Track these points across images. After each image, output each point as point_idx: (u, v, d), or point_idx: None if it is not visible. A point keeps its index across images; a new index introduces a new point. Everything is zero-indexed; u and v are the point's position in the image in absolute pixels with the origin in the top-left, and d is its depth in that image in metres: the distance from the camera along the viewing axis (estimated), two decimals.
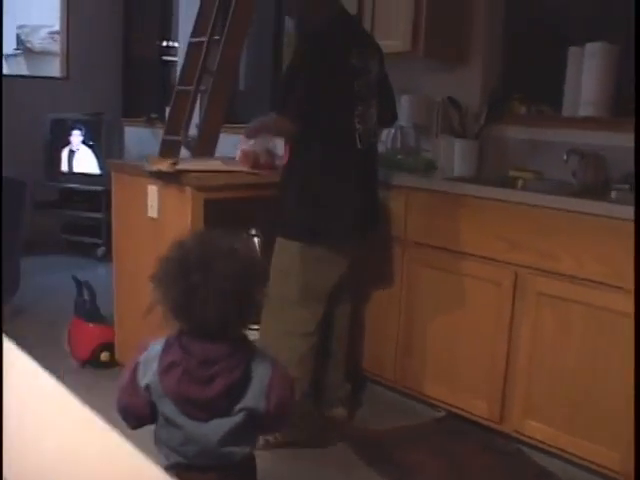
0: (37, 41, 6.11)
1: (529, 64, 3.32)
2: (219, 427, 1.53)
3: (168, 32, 5.88)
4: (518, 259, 2.55)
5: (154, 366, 1.52)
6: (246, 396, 1.54)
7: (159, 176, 2.63)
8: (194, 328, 1.51)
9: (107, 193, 5.24)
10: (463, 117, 3.27)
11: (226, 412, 1.53)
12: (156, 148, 5.46)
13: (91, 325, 3.28)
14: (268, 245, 2.93)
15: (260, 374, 1.55)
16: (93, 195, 5.26)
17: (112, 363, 3.26)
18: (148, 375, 1.53)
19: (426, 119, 3.40)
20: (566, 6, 3.22)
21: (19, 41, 6.20)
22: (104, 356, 3.28)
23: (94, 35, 5.92)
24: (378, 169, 2.72)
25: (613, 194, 2.68)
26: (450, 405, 2.84)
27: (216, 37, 3.71)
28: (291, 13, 2.84)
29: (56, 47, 6.01)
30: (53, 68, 5.99)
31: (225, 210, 2.70)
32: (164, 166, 2.58)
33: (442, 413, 2.90)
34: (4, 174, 3.87)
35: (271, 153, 2.77)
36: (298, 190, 2.55)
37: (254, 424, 1.56)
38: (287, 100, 2.47)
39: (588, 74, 2.93)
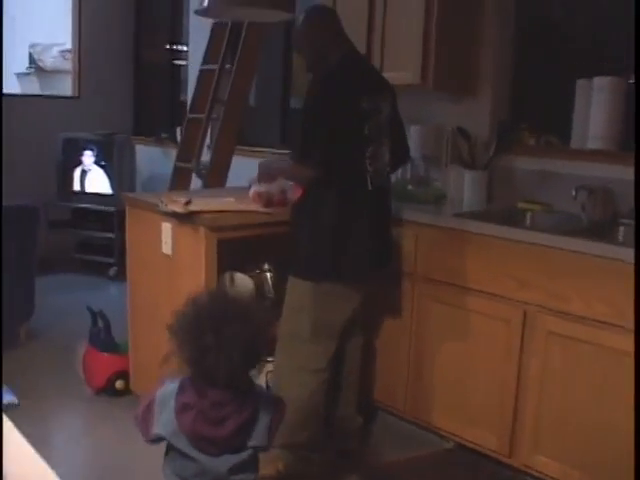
0: (49, 59, 6.17)
1: (537, 95, 3.35)
2: (229, 460, 1.72)
3: (178, 50, 5.93)
4: (527, 297, 2.58)
5: (171, 404, 1.70)
6: (254, 434, 1.74)
7: (173, 215, 2.67)
8: (206, 377, 1.68)
9: (119, 213, 5.32)
10: (472, 147, 3.31)
11: (236, 449, 1.72)
12: (167, 167, 5.53)
13: (106, 354, 3.33)
14: (280, 280, 2.99)
15: (265, 414, 1.76)
16: (105, 215, 5.32)
17: (126, 391, 3.33)
18: (164, 413, 1.71)
19: (436, 149, 3.43)
20: (575, 38, 3.24)
21: (31, 59, 6.27)
22: (119, 384, 3.33)
23: (105, 53, 5.98)
24: (390, 207, 2.75)
25: (620, 232, 2.71)
26: (460, 437, 2.88)
27: (227, 65, 3.75)
28: (300, 51, 2.78)
29: (68, 65, 6.07)
30: (65, 87, 6.04)
31: (238, 246, 2.75)
32: (178, 207, 2.63)
33: (451, 444, 2.94)
34: (17, 201, 3.91)
35: (284, 191, 2.80)
36: (309, 230, 2.59)
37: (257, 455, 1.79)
38: (303, 148, 2.51)
39: (597, 108, 2.96)
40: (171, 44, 5.99)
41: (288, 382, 2.64)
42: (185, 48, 5.62)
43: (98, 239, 5.47)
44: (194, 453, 1.70)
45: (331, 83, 2.55)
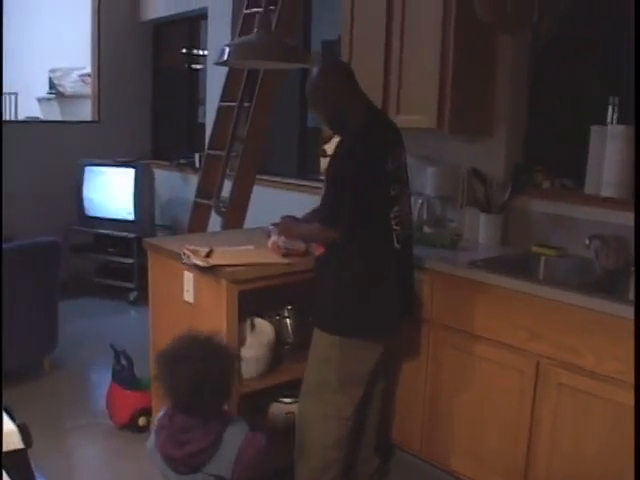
0: (69, 84, 6.30)
1: (552, 138, 3.40)
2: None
3: (197, 75, 6.02)
4: (539, 349, 2.63)
5: (154, 427, 2.17)
6: (213, 461, 2.06)
7: (195, 268, 2.75)
8: (176, 405, 2.09)
9: (139, 239, 5.42)
10: (488, 189, 3.36)
11: (196, 470, 2.07)
12: (185, 192, 5.63)
13: (129, 392, 3.42)
14: (300, 326, 3.07)
15: (231, 445, 2.08)
16: (126, 240, 5.41)
17: (149, 428, 3.41)
18: (152, 434, 2.17)
19: (451, 190, 3.48)
20: (590, 86, 3.29)
21: (52, 84, 6.40)
22: (142, 421, 3.42)
23: (124, 77, 6.08)
24: (412, 256, 2.81)
25: (632, 285, 2.76)
26: (474, 479, 2.94)
27: (246, 104, 3.82)
28: (315, 106, 2.69)
29: (87, 90, 6.19)
30: (85, 111, 6.15)
31: (259, 293, 2.81)
32: (200, 260, 2.70)
33: None
34: (38, 238, 4.01)
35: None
36: (334, 286, 2.62)
37: None
38: (330, 212, 2.54)
39: (611, 155, 2.99)
40: (190, 64, 6.07)
41: (313, 429, 2.72)
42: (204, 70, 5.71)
43: (118, 264, 5.57)
44: (166, 471, 2.12)
45: (358, 147, 2.50)
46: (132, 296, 5.47)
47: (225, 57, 2.90)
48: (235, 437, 2.08)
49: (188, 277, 2.87)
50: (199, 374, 2.04)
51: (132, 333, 4.65)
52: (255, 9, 3.92)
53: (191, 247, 2.84)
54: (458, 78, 3.19)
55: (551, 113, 3.43)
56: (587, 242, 2.91)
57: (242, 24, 3.95)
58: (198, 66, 5.95)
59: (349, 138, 2.60)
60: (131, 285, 5.47)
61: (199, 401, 2.05)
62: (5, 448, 1.33)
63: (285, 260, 2.82)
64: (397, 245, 2.61)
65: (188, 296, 2.90)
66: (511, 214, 3.35)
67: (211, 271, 2.71)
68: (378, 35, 3.40)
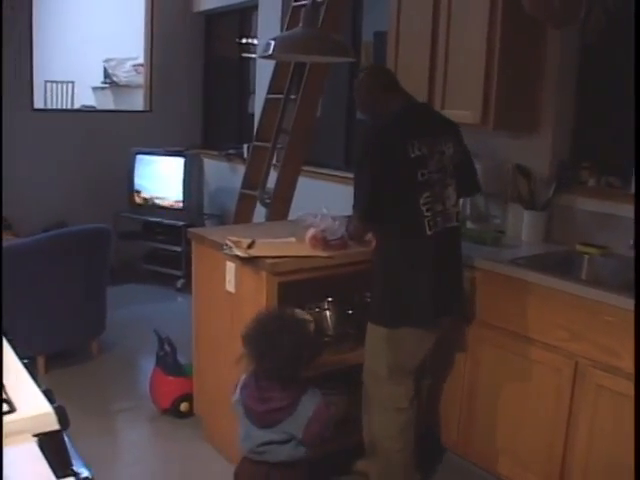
0: (122, 74, 6.42)
1: (599, 134, 3.35)
2: (263, 435, 2.38)
3: (248, 65, 6.07)
4: (579, 350, 2.60)
5: (240, 383, 2.49)
6: (288, 421, 2.35)
7: (237, 258, 2.80)
8: (261, 372, 2.39)
9: (187, 227, 5.51)
10: (532, 185, 3.33)
11: (272, 425, 2.36)
12: (233, 181, 5.70)
13: (171, 378, 3.50)
14: (340, 319, 3.10)
15: (305, 409, 2.36)
16: (174, 228, 5.51)
17: (190, 413, 3.49)
18: (237, 389, 2.50)
19: (496, 186, 3.46)
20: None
21: (106, 74, 6.54)
22: (183, 407, 3.50)
23: (176, 67, 6.17)
24: (460, 248, 2.81)
25: None
26: (509, 476, 2.93)
27: (292, 96, 3.85)
28: (358, 109, 2.95)
29: (140, 80, 6.30)
30: (137, 101, 6.27)
31: (299, 284, 2.85)
32: (241, 251, 2.75)
33: None
34: (90, 224, 4.12)
35: (340, 229, 2.91)
36: (379, 278, 2.71)
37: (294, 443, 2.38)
38: (354, 199, 2.65)
39: None
40: (240, 55, 6.13)
41: (376, 420, 2.82)
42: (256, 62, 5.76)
43: (166, 251, 5.67)
44: (244, 418, 2.43)
45: (374, 133, 2.69)
46: (179, 283, 5.57)
47: (270, 51, 2.93)
48: (309, 404, 2.37)
49: (230, 267, 2.93)
50: (292, 347, 2.33)
51: (177, 320, 4.75)
52: (303, 1, 3.94)
53: (234, 238, 2.89)
54: (504, 74, 3.16)
55: (599, 110, 3.37)
56: (632, 242, 2.86)
57: (290, 16, 3.98)
58: (250, 55, 6.00)
59: (370, 130, 2.77)
60: (178, 272, 5.57)
61: (279, 369, 2.35)
62: (41, 429, 1.38)
63: (325, 253, 2.85)
64: (429, 232, 2.62)
65: (230, 286, 2.95)
66: (555, 211, 3.32)
67: (252, 262, 2.76)
68: (424, 30, 3.39)
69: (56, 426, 1.40)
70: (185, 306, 5.49)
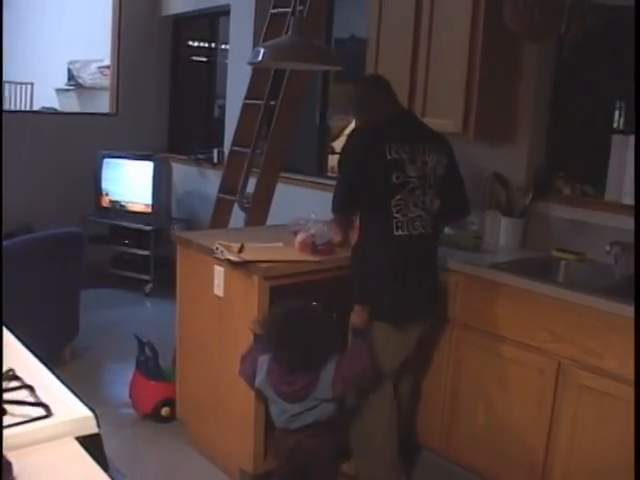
0: (87, 76, 6.35)
1: (573, 144, 3.48)
2: (298, 407, 2.56)
3: (215, 66, 6.08)
4: (561, 351, 2.70)
5: (264, 368, 2.60)
6: (317, 390, 2.54)
7: (228, 262, 2.82)
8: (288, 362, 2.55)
9: (156, 231, 5.50)
10: (509, 193, 3.44)
11: (304, 399, 2.55)
12: (202, 185, 5.70)
13: (153, 382, 3.49)
14: None
15: (327, 374, 2.54)
16: (142, 232, 5.48)
17: (172, 418, 3.49)
18: (260, 374, 2.61)
19: (473, 193, 3.54)
20: (612, 94, 3.37)
21: (70, 76, 6.45)
22: (165, 411, 3.50)
23: (143, 70, 6.13)
24: (434, 254, 2.89)
25: None
26: (492, 476, 3.02)
27: (271, 102, 3.88)
28: (355, 112, 3.03)
29: (106, 82, 6.24)
30: (103, 103, 6.21)
31: (288, 287, 2.89)
32: (233, 256, 2.78)
33: None
34: (63, 228, 4.08)
35: (328, 237, 2.97)
36: (353, 272, 2.80)
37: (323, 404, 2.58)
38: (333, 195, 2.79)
39: (632, 164, 3.08)
40: (209, 60, 6.13)
41: (359, 420, 2.88)
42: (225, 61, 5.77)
43: (134, 255, 5.63)
44: (276, 399, 2.60)
45: (357, 134, 2.88)
46: (148, 288, 5.54)
47: (260, 58, 2.96)
48: (330, 368, 2.54)
49: (219, 271, 2.95)
50: (303, 341, 2.49)
51: (149, 324, 4.75)
52: (281, 9, 3.98)
53: (224, 242, 2.91)
54: (484, 84, 3.26)
55: (573, 121, 3.50)
56: (608, 248, 2.98)
57: (269, 23, 4.01)
58: (217, 61, 6.01)
59: (354, 130, 2.98)
60: (147, 277, 5.54)
61: (307, 358, 2.51)
62: (82, 432, 1.39)
63: (315, 258, 2.90)
64: (396, 232, 2.70)
65: (218, 290, 2.97)
66: (532, 218, 3.43)
67: (244, 266, 2.79)
68: (405, 39, 3.47)
69: (96, 429, 1.42)
70: (154, 311, 5.51)
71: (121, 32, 5.96)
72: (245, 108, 4.07)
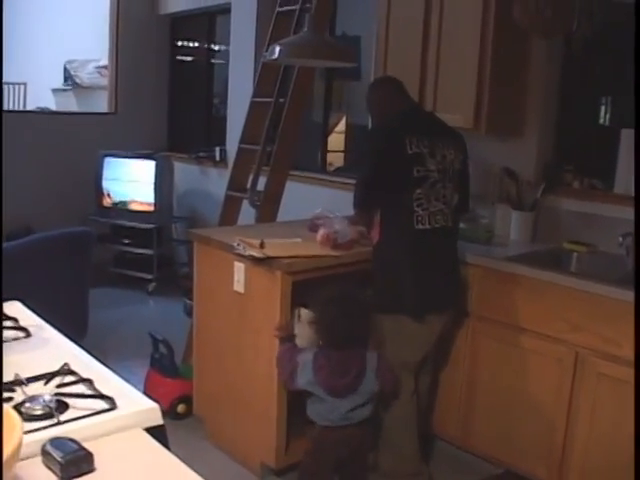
0: (85, 76, 6.33)
1: (582, 139, 3.54)
2: (351, 402, 2.59)
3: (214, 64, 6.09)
4: (578, 340, 2.75)
5: (309, 366, 2.58)
6: (365, 381, 2.58)
7: (250, 259, 2.85)
8: (331, 344, 2.60)
9: (158, 230, 5.51)
10: (519, 187, 3.49)
11: (354, 391, 2.58)
12: (203, 184, 5.72)
13: (169, 379, 3.51)
14: None
15: (370, 366, 2.60)
16: (144, 231, 5.48)
17: (188, 415, 3.51)
18: (305, 372, 2.59)
19: (484, 187, 3.61)
20: (621, 87, 3.43)
21: (67, 76, 6.42)
22: (181, 408, 3.51)
23: (141, 69, 6.12)
24: (454, 249, 2.94)
25: None
26: (509, 466, 3.07)
27: (280, 100, 3.91)
28: (371, 115, 3.13)
29: (104, 82, 6.22)
30: (101, 103, 6.20)
31: (304, 285, 2.92)
32: (256, 252, 2.80)
33: (501, 470, 3.13)
34: (70, 228, 4.09)
35: (351, 232, 3.01)
36: (376, 267, 2.85)
37: (372, 398, 2.64)
38: (354, 192, 2.84)
39: None
40: (208, 59, 6.14)
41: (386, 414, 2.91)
42: (223, 61, 5.78)
43: (136, 254, 5.62)
44: (326, 397, 2.57)
45: (375, 129, 2.97)
46: (151, 287, 5.54)
47: (276, 56, 2.99)
48: (372, 358, 2.62)
49: (239, 267, 2.97)
50: (352, 318, 2.57)
51: (154, 323, 4.76)
52: (288, 7, 4.01)
53: (244, 238, 2.94)
54: (495, 79, 3.30)
55: (581, 115, 3.56)
56: (620, 240, 3.04)
57: (275, 21, 4.04)
58: (218, 61, 6.02)
59: (374, 127, 3.06)
60: (149, 276, 5.54)
61: (352, 334, 2.58)
62: (149, 423, 1.42)
63: (335, 252, 2.93)
64: (417, 226, 2.74)
65: (238, 286, 2.99)
66: (542, 212, 3.49)
67: (266, 262, 2.81)
68: (415, 34, 3.50)
69: (161, 420, 1.45)
70: (159, 309, 5.52)
71: (119, 31, 5.94)
72: (253, 106, 4.09)
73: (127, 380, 1.57)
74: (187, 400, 3.50)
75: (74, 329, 4.09)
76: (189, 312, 4.07)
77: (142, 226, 5.49)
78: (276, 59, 3.02)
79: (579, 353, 2.77)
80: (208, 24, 6.02)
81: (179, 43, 6.32)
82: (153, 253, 5.46)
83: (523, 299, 2.94)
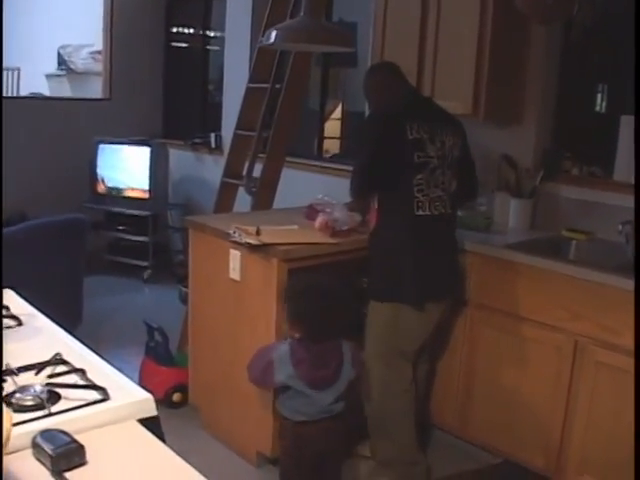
0: (79, 61, 6.25)
1: (581, 126, 3.51)
2: (332, 393, 2.51)
3: (209, 50, 6.03)
4: (578, 328, 2.73)
5: (287, 360, 2.45)
6: (344, 370, 2.52)
7: (246, 246, 2.81)
8: (309, 336, 2.48)
9: (154, 217, 5.46)
10: (518, 174, 3.46)
11: (334, 382, 2.50)
12: (198, 170, 5.67)
13: (164, 368, 3.48)
14: None
15: (347, 355, 2.54)
16: (139, 218, 5.43)
17: (184, 404, 3.48)
18: (283, 367, 2.45)
19: (482, 174, 3.55)
20: (620, 75, 3.39)
21: (61, 61, 6.35)
22: (176, 397, 3.49)
23: (136, 54, 6.05)
24: (453, 236, 2.91)
25: None
26: (508, 455, 3.05)
27: (276, 85, 3.86)
28: (369, 101, 3.04)
29: (98, 67, 6.15)
30: (95, 89, 6.13)
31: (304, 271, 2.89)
32: (251, 239, 2.77)
33: (499, 459, 3.12)
34: (64, 215, 4.05)
35: (351, 217, 2.99)
36: (373, 254, 2.83)
37: (349, 387, 2.55)
38: (351, 177, 2.79)
39: None
40: (204, 45, 6.08)
41: (378, 402, 2.88)
42: (218, 48, 5.72)
43: (131, 242, 5.58)
44: (307, 391, 2.47)
45: (375, 115, 2.89)
46: (146, 274, 5.50)
47: (272, 40, 2.94)
48: (348, 350, 2.56)
49: (235, 255, 2.94)
50: (326, 309, 2.46)
51: (149, 311, 4.71)
52: None
53: (240, 225, 2.90)
54: (494, 66, 3.26)
55: (580, 102, 3.53)
56: (620, 228, 3.01)
57: (271, 7, 3.98)
58: (214, 48, 5.95)
59: (372, 112, 2.96)
60: (145, 263, 5.50)
61: (329, 330, 2.50)
62: (142, 415, 1.39)
63: (333, 240, 2.90)
64: (417, 212, 2.71)
65: (234, 274, 2.96)
66: (541, 199, 3.45)
67: (262, 249, 2.78)
68: (413, 20, 3.45)
69: (155, 412, 1.42)
70: (154, 297, 5.48)
71: (113, 16, 5.87)
72: (249, 92, 4.04)
73: (121, 369, 1.55)
74: (182, 389, 3.48)
75: (68, 317, 4.09)
76: (184, 300, 4.04)
77: (137, 213, 5.45)
78: (272, 44, 2.97)
79: (578, 342, 2.75)
80: (204, 9, 5.95)
81: (174, 29, 6.24)
82: (148, 240, 5.42)
83: (522, 287, 2.91)
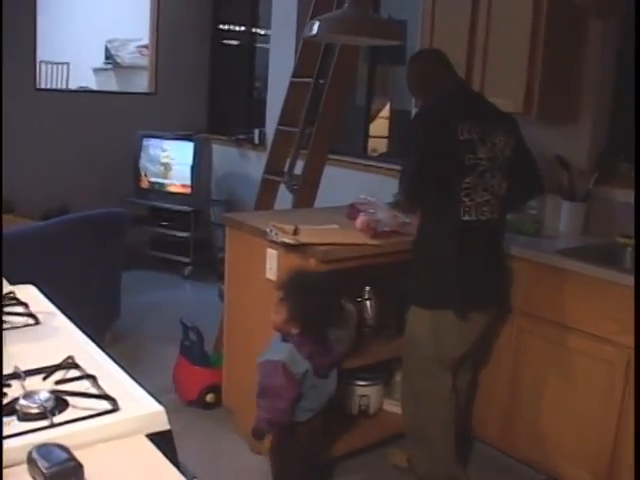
0: (126, 55, 6.26)
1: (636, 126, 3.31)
2: (333, 379, 2.52)
3: (256, 48, 5.97)
4: (631, 342, 2.55)
5: (297, 357, 2.39)
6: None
7: (283, 245, 2.72)
8: (312, 328, 2.44)
9: (196, 213, 5.41)
10: (571, 176, 3.29)
11: (336, 366, 2.52)
12: (242, 167, 5.61)
13: (198, 368, 3.41)
14: (381, 309, 3.03)
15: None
16: (182, 214, 5.39)
17: (217, 405, 3.40)
18: (298, 365, 2.38)
19: None
20: None
21: (108, 55, 6.36)
22: (210, 398, 3.41)
23: (182, 49, 6.02)
24: (500, 242, 2.76)
25: None
26: (553, 471, 2.90)
27: (321, 80, 3.76)
28: (415, 90, 2.85)
29: (144, 61, 6.14)
30: (142, 83, 6.11)
31: (338, 274, 2.78)
32: (289, 238, 2.67)
33: (543, 476, 2.96)
34: (105, 208, 4.01)
35: (394, 218, 2.87)
36: (417, 258, 2.70)
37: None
38: (400, 179, 2.67)
39: None
40: (251, 42, 6.01)
41: (419, 411, 2.78)
42: (266, 45, 5.65)
43: (173, 237, 5.54)
44: (317, 382, 2.43)
45: (424, 113, 2.70)
46: (187, 270, 5.46)
47: (315, 31, 2.83)
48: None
49: (271, 254, 2.84)
50: (326, 303, 2.44)
51: (188, 308, 4.67)
52: None
53: (277, 224, 2.80)
54: (547, 62, 3.11)
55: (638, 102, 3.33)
56: None
57: (317, 0, 3.87)
58: (262, 45, 5.88)
59: (421, 109, 2.78)
60: (186, 259, 5.45)
61: (326, 322, 2.49)
62: (153, 429, 1.29)
63: (374, 241, 2.78)
64: (464, 217, 2.57)
65: (270, 274, 2.86)
66: (595, 203, 3.28)
67: (300, 249, 2.68)
68: (463, 14, 3.32)
69: (167, 426, 1.32)
70: (194, 294, 5.44)
71: (160, 10, 5.84)
72: (292, 86, 3.93)
73: (155, 367, 1.45)
74: (216, 390, 3.40)
75: (106, 311, 4.07)
76: (223, 297, 3.97)
77: (179, 208, 5.40)
78: (315, 35, 2.86)
79: (631, 356, 2.57)
80: (251, 4, 5.87)
81: (222, 26, 6.18)
82: (190, 236, 5.37)
83: (572, 296, 2.75)
